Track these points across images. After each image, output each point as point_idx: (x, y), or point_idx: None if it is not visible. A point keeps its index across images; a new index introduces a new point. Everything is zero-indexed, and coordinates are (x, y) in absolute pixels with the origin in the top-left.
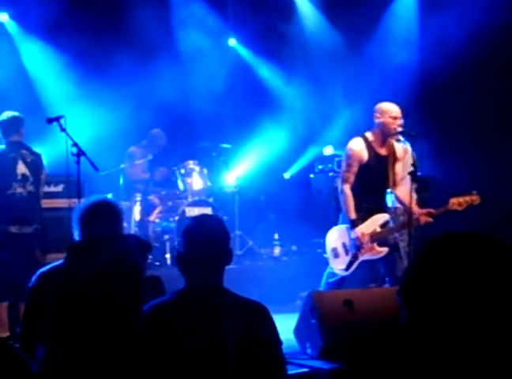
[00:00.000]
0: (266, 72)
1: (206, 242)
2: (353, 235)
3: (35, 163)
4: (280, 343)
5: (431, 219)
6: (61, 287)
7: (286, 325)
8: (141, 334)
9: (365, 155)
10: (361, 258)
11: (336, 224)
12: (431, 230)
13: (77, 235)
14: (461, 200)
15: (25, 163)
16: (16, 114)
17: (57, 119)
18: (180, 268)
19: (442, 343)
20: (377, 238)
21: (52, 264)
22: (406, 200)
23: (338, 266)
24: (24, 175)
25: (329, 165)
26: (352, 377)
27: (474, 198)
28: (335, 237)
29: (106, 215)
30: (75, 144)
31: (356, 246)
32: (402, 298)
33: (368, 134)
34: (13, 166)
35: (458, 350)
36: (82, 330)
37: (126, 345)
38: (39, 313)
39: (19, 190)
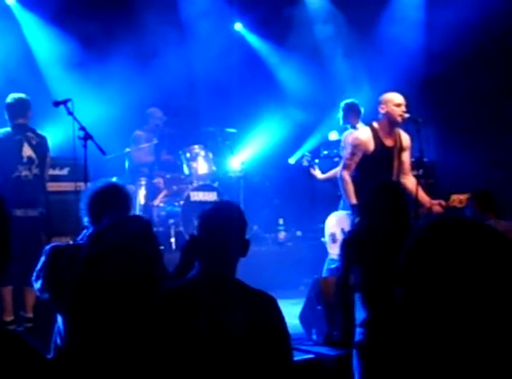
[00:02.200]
0: (272, 56)
1: (220, 230)
2: (354, 221)
3: (40, 146)
4: (287, 334)
5: (442, 209)
6: (81, 272)
7: (290, 310)
8: (155, 317)
9: (371, 144)
10: None
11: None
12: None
13: (86, 221)
14: (461, 197)
15: (31, 145)
16: (22, 96)
17: (64, 102)
18: (193, 252)
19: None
20: None
21: (66, 243)
22: (413, 188)
23: (335, 251)
24: (29, 158)
25: (335, 150)
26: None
27: None
28: (334, 222)
29: (116, 200)
30: (82, 128)
31: None
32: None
33: (375, 124)
34: (18, 149)
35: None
36: (100, 316)
37: (141, 328)
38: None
39: (24, 173)
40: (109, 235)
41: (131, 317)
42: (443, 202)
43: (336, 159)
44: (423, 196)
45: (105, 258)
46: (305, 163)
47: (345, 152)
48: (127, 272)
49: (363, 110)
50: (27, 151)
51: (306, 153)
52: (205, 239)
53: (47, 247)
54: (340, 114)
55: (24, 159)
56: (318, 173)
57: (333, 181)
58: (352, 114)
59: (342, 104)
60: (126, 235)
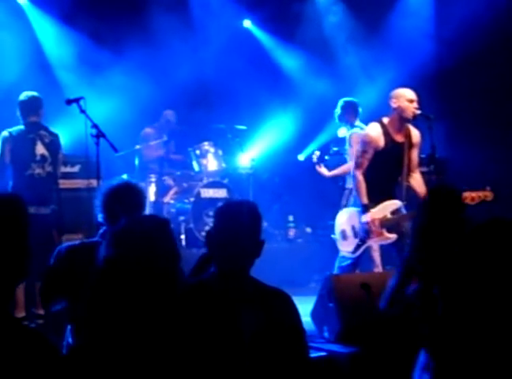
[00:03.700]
0: (281, 53)
1: (234, 228)
2: (364, 220)
3: (53, 144)
4: (303, 331)
5: None
6: (102, 272)
7: (300, 308)
8: (173, 315)
9: (381, 141)
10: (369, 243)
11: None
12: None
13: (100, 218)
14: (473, 195)
15: (44, 143)
16: (35, 94)
17: (76, 100)
18: (208, 249)
19: (479, 329)
20: (387, 224)
21: (79, 241)
22: (420, 187)
23: (345, 248)
24: (42, 156)
25: (345, 147)
26: (370, 361)
27: (487, 194)
28: (345, 219)
29: (131, 199)
30: (95, 126)
31: (366, 231)
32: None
33: (385, 120)
34: (31, 147)
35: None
36: (119, 314)
37: (160, 326)
38: (59, 279)
39: (37, 171)
40: (129, 235)
41: (150, 316)
42: None
43: (346, 156)
44: (423, 194)
45: (126, 258)
46: (314, 160)
47: (356, 151)
48: (148, 271)
49: (361, 109)
50: (40, 149)
51: (316, 150)
52: (219, 237)
53: (61, 247)
54: (338, 111)
55: (38, 157)
56: (324, 170)
57: (337, 179)
58: (350, 112)
59: (341, 102)
60: (145, 235)
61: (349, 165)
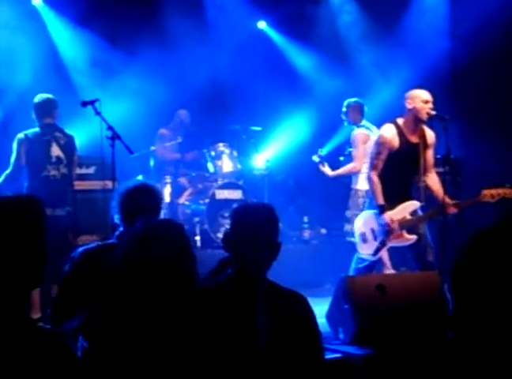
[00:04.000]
0: (296, 54)
1: (251, 230)
2: (382, 221)
3: (68, 146)
4: (319, 333)
5: (456, 211)
6: (121, 274)
7: (316, 309)
8: (190, 317)
9: (396, 142)
10: (389, 244)
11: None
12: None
13: (117, 219)
14: (493, 192)
15: (59, 145)
16: (49, 96)
17: (92, 103)
18: (226, 250)
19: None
20: (406, 226)
21: (95, 244)
22: (436, 188)
23: (366, 251)
24: (58, 158)
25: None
26: (385, 363)
27: (507, 191)
28: (363, 222)
29: (148, 200)
30: (110, 128)
31: (385, 232)
32: (452, 286)
33: (400, 121)
34: (47, 149)
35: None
36: (138, 316)
37: (178, 328)
38: (77, 287)
39: (53, 173)
40: (146, 238)
41: (167, 318)
42: (461, 203)
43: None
44: (440, 194)
45: (145, 261)
46: (315, 159)
47: (371, 151)
48: (164, 273)
49: (366, 108)
50: (55, 151)
51: (320, 149)
52: (236, 238)
53: (75, 253)
54: (343, 112)
55: (53, 159)
56: (327, 170)
57: (343, 179)
58: (355, 112)
59: (345, 102)
60: (162, 237)
61: (353, 165)
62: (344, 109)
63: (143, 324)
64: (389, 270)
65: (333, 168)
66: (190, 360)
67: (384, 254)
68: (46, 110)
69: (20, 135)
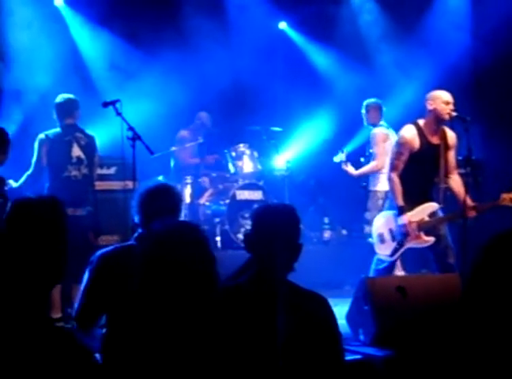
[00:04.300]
0: (317, 54)
1: (272, 231)
2: (400, 222)
3: (89, 146)
4: (339, 334)
5: (474, 213)
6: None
7: (336, 310)
8: (211, 318)
9: (416, 143)
10: (407, 246)
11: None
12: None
13: (137, 219)
14: None
15: (80, 145)
16: (70, 96)
17: (113, 103)
18: (248, 251)
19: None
20: (424, 227)
21: (113, 246)
22: (459, 189)
23: (383, 252)
24: (78, 158)
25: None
26: (405, 364)
27: None
28: (382, 222)
29: (168, 202)
30: (131, 128)
31: (403, 234)
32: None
33: (420, 121)
34: (68, 150)
35: None
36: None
37: (199, 329)
38: (99, 292)
39: (74, 173)
40: (165, 240)
41: (188, 319)
42: (480, 205)
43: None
44: (463, 196)
45: (164, 263)
46: (337, 160)
47: (392, 152)
48: (186, 275)
49: (385, 109)
50: (76, 151)
51: (342, 149)
52: (256, 239)
53: (94, 257)
54: (364, 113)
55: (74, 160)
56: (350, 169)
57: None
58: (374, 112)
59: (365, 103)
60: (181, 238)
61: (375, 163)
62: (363, 110)
63: (163, 326)
64: (400, 272)
65: (355, 169)
66: (210, 360)
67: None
68: (67, 110)
69: (41, 135)
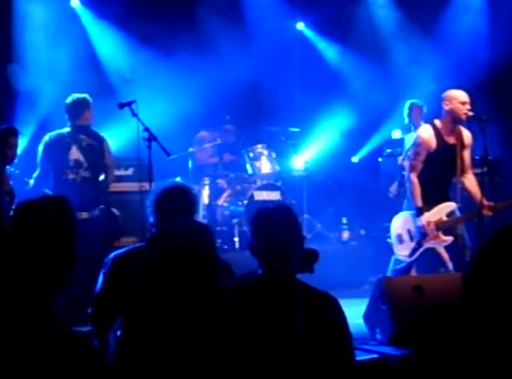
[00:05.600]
0: (334, 55)
1: (279, 231)
2: (419, 223)
3: (92, 148)
4: (350, 335)
5: (490, 213)
6: (141, 274)
7: (354, 310)
8: (217, 317)
9: (433, 143)
10: (425, 246)
11: (401, 209)
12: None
13: (152, 219)
14: None
15: (80, 148)
16: (80, 97)
17: (129, 104)
18: (253, 256)
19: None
20: (442, 227)
21: (126, 248)
22: (473, 189)
23: (402, 252)
24: (76, 161)
25: (398, 149)
26: (423, 364)
27: None
28: (400, 223)
29: (184, 203)
30: (147, 129)
31: (421, 234)
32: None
33: (437, 122)
34: (64, 152)
35: None
36: (160, 316)
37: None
38: (113, 293)
39: (71, 176)
40: (164, 237)
41: (190, 318)
42: (495, 205)
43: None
44: (478, 195)
45: (164, 262)
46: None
47: (410, 153)
48: (182, 276)
49: (425, 108)
50: (74, 154)
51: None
52: (256, 245)
53: (107, 259)
54: (406, 112)
55: (71, 163)
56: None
57: (400, 181)
58: (415, 113)
59: (407, 103)
60: (184, 237)
61: None
62: (406, 110)
63: (163, 325)
64: (449, 264)
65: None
66: (218, 360)
67: (441, 250)
68: (75, 111)
69: (46, 137)
